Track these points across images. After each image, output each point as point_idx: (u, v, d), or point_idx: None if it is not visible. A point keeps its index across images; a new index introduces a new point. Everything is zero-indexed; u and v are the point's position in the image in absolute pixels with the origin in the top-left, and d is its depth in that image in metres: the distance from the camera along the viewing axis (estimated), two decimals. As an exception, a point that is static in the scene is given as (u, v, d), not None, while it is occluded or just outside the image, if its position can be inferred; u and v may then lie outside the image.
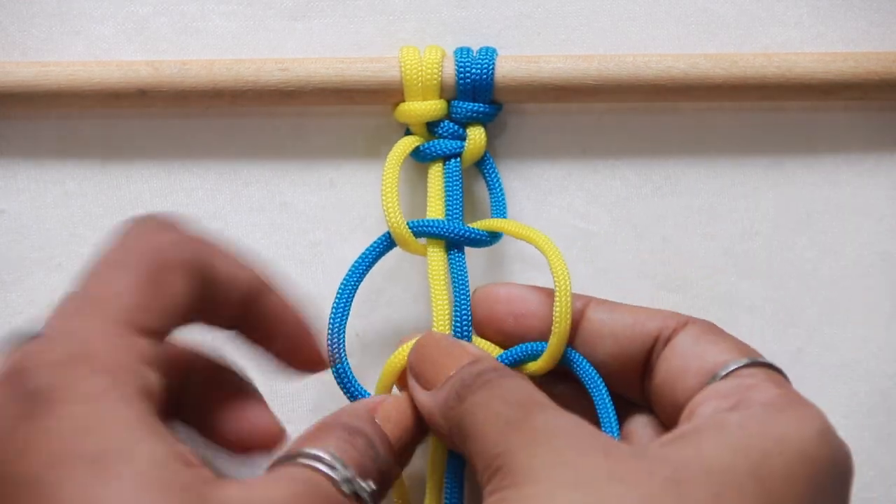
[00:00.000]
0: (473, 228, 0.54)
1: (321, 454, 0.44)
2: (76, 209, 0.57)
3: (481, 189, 0.57)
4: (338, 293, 0.53)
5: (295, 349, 0.49)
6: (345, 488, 0.43)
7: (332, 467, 0.43)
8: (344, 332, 0.53)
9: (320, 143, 0.57)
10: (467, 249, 0.55)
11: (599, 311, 0.51)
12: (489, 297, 0.53)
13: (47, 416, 0.39)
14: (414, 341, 0.51)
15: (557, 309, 0.50)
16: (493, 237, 0.54)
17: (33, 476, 0.38)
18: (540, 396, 0.45)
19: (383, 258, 0.54)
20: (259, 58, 0.56)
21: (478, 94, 0.55)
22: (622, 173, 0.57)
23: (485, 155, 0.56)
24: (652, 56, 0.55)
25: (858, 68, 0.55)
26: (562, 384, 0.52)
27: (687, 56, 0.55)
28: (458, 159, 0.55)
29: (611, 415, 0.49)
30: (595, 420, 0.50)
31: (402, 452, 0.49)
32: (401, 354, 0.52)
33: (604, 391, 0.50)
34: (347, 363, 0.52)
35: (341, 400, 0.55)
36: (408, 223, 0.53)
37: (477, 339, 0.52)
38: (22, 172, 0.57)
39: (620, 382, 0.50)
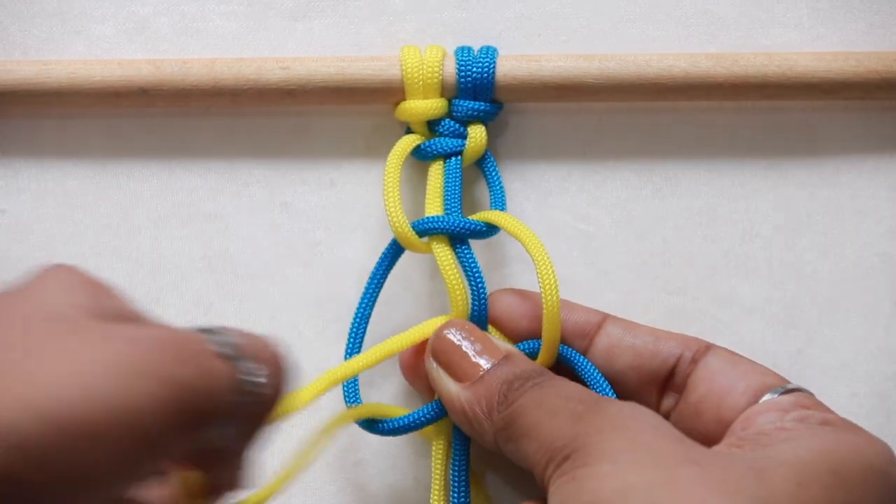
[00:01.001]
0: (471, 220, 0.54)
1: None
2: (77, 209, 0.57)
3: (481, 189, 0.57)
4: (356, 313, 0.54)
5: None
6: (213, 345, 0.40)
7: (209, 332, 0.41)
8: (360, 347, 0.54)
9: (321, 142, 0.57)
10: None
11: (617, 328, 0.52)
12: (503, 301, 0.53)
13: None
14: (432, 324, 0.52)
15: (546, 309, 0.51)
16: (491, 228, 0.54)
17: None
18: (596, 393, 0.46)
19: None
20: (260, 56, 0.56)
21: (479, 92, 0.55)
22: (622, 175, 0.57)
23: (485, 154, 0.56)
24: (653, 55, 0.55)
25: (860, 67, 0.55)
26: None
27: (688, 55, 0.55)
28: (459, 158, 0.55)
29: None
30: None
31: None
32: (415, 334, 0.52)
33: (608, 391, 0.50)
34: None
35: (341, 400, 0.55)
36: (411, 224, 0.53)
37: (492, 331, 0.53)
38: (23, 172, 0.57)
39: (636, 396, 0.51)
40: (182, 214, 0.57)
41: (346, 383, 0.54)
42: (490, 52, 0.55)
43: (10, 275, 0.57)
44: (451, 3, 0.57)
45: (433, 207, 0.54)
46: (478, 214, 0.54)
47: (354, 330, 0.54)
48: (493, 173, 0.56)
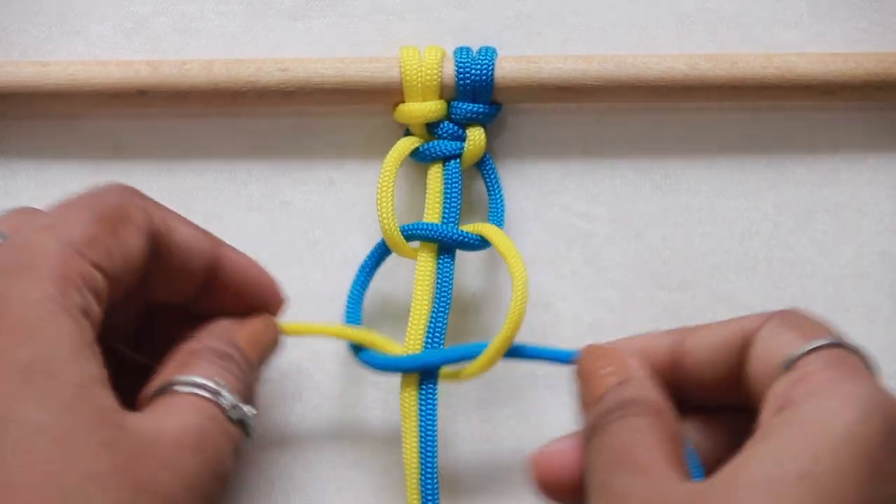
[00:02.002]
0: (464, 232, 0.54)
1: (205, 382, 0.44)
2: (76, 208, 0.57)
3: (482, 189, 0.57)
4: (346, 309, 0.54)
5: (263, 302, 0.50)
6: (232, 415, 0.44)
7: (217, 394, 0.44)
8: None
9: (320, 141, 0.57)
10: (467, 253, 0.55)
11: (694, 338, 0.48)
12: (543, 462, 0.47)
13: None
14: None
15: (510, 314, 0.50)
16: (484, 242, 0.54)
17: None
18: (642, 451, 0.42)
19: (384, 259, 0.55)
20: (259, 58, 0.56)
21: (477, 94, 0.55)
22: (622, 173, 0.57)
23: (485, 156, 0.56)
24: (652, 56, 0.55)
25: (858, 69, 0.55)
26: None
27: (687, 56, 0.55)
28: (458, 161, 0.55)
29: None
30: None
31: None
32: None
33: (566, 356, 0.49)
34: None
35: (341, 400, 0.55)
36: (400, 227, 0.54)
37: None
38: (22, 172, 0.57)
39: (726, 397, 0.47)
40: (181, 214, 0.57)
41: (349, 301, 0.54)
42: (489, 53, 0.55)
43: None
44: (450, 1, 0.57)
45: (432, 213, 0.55)
46: (472, 226, 0.54)
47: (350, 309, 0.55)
48: (492, 177, 0.56)
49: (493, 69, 0.55)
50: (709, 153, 0.57)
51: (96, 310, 0.42)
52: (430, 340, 0.52)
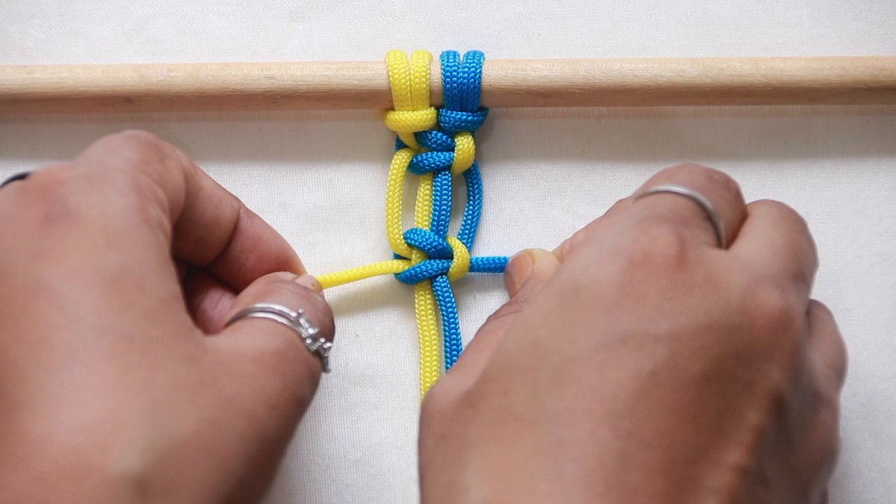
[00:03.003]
0: (447, 245, 0.56)
1: (284, 309, 0.45)
2: (76, 210, 0.57)
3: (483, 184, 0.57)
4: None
5: (283, 268, 0.51)
6: (310, 345, 0.45)
7: (298, 324, 0.45)
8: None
9: (319, 143, 0.57)
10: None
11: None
12: None
13: (71, 226, 0.39)
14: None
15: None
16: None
17: (49, 285, 0.38)
18: None
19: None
20: (246, 63, 0.55)
21: (465, 100, 0.55)
22: (621, 175, 0.57)
23: (473, 165, 0.56)
24: (639, 62, 0.55)
25: (845, 76, 0.55)
26: None
27: (674, 62, 0.55)
28: (447, 173, 0.56)
29: None
30: None
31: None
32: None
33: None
34: None
35: (340, 400, 0.55)
36: (404, 233, 0.56)
37: None
38: (21, 174, 0.57)
39: None
40: (181, 215, 0.57)
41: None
42: (476, 58, 0.55)
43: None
44: (450, 3, 0.57)
45: (422, 221, 0.56)
46: (451, 239, 0.56)
47: None
48: (476, 186, 0.56)
49: (480, 74, 0.55)
50: (707, 156, 0.57)
51: (167, 226, 0.43)
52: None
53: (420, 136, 0.56)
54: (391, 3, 0.57)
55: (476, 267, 0.56)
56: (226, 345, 0.42)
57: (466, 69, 0.54)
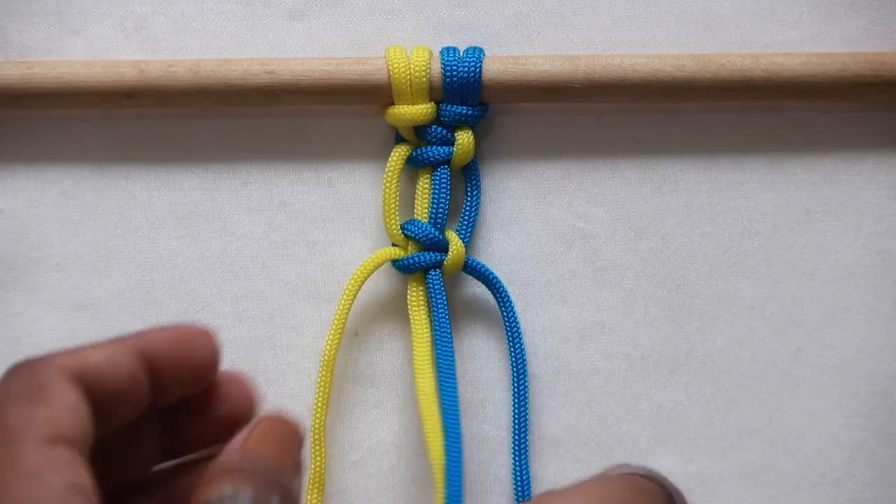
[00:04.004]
0: (443, 239, 0.55)
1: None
2: (74, 209, 0.57)
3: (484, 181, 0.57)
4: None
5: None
6: None
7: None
8: None
9: (319, 142, 0.57)
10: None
11: None
12: None
13: None
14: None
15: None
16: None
17: None
18: None
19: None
20: (246, 59, 0.55)
21: (465, 94, 0.55)
22: (622, 173, 0.57)
23: (472, 160, 0.56)
24: (639, 58, 0.55)
25: (846, 71, 0.55)
26: None
27: (674, 57, 0.55)
28: (447, 168, 0.55)
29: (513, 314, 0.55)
30: None
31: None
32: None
33: (505, 293, 0.55)
34: None
35: (339, 400, 0.55)
36: (402, 224, 0.55)
37: None
38: (19, 173, 0.57)
39: None
40: (180, 214, 0.57)
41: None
42: (476, 54, 0.55)
43: (8, 274, 0.57)
44: (449, 1, 0.57)
45: (421, 214, 0.56)
46: (448, 233, 0.56)
47: None
48: (475, 182, 0.56)
49: (480, 69, 0.55)
50: (708, 153, 0.57)
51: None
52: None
53: (420, 131, 0.56)
54: (390, 1, 0.57)
55: (470, 269, 0.56)
56: None
57: (466, 63, 0.54)
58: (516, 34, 0.57)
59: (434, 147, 0.55)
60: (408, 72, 0.54)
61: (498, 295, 0.56)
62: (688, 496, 0.41)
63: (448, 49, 0.55)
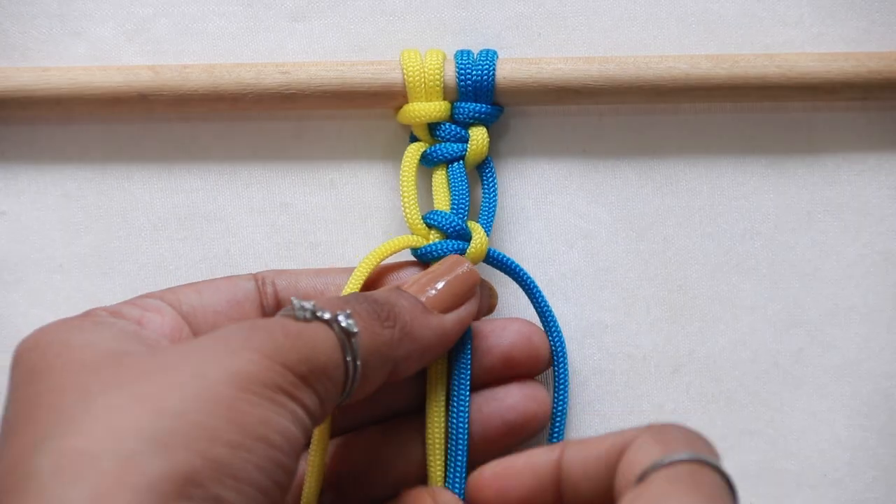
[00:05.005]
0: (467, 228, 0.54)
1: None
2: (76, 211, 0.57)
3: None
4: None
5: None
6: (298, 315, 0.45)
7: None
8: None
9: (321, 143, 0.57)
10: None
11: (572, 451, 0.46)
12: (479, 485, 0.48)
13: None
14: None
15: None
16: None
17: None
18: None
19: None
20: (260, 62, 0.56)
21: (479, 96, 0.55)
22: (623, 173, 0.57)
23: (486, 158, 0.56)
24: (653, 57, 0.55)
25: (861, 68, 0.55)
26: None
27: (688, 56, 0.55)
28: (462, 163, 0.55)
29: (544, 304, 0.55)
30: None
31: None
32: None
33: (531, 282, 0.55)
34: None
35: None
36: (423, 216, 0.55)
37: None
38: (22, 175, 0.57)
39: None
40: (182, 216, 0.57)
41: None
42: (490, 56, 0.55)
43: (10, 276, 0.57)
44: (450, 2, 0.57)
45: (441, 207, 0.55)
46: (470, 223, 0.55)
47: None
48: (491, 180, 0.56)
49: (493, 71, 0.55)
50: (710, 154, 0.57)
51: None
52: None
53: (434, 129, 0.55)
54: (391, 2, 0.57)
55: (492, 260, 0.55)
56: None
57: (481, 65, 0.55)
58: (517, 36, 0.57)
59: (448, 144, 0.55)
60: (422, 73, 0.54)
61: (524, 284, 0.55)
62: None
63: (462, 52, 0.55)
